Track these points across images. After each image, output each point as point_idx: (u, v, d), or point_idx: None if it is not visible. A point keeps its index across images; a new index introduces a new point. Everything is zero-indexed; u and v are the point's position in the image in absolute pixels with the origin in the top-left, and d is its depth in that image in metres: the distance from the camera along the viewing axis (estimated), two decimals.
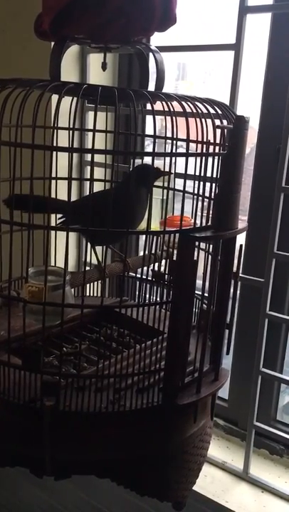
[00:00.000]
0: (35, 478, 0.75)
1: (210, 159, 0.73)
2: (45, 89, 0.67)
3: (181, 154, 0.69)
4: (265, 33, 1.14)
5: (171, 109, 0.69)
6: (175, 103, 0.71)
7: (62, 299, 0.68)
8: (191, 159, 0.70)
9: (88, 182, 0.87)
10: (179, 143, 0.72)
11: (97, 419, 0.72)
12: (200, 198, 0.80)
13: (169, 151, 0.70)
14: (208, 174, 0.73)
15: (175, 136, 0.69)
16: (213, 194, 0.76)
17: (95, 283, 0.99)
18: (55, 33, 0.76)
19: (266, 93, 1.17)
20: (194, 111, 0.71)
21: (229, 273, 0.79)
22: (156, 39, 0.84)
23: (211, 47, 1.19)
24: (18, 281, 0.97)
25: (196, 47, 1.22)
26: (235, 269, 0.80)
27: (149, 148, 1.49)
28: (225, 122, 0.75)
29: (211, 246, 0.81)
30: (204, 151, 0.73)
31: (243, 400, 1.28)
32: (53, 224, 0.75)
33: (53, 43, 0.77)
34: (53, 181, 0.79)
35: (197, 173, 0.74)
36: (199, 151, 0.73)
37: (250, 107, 1.20)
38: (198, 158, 0.73)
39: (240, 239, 0.90)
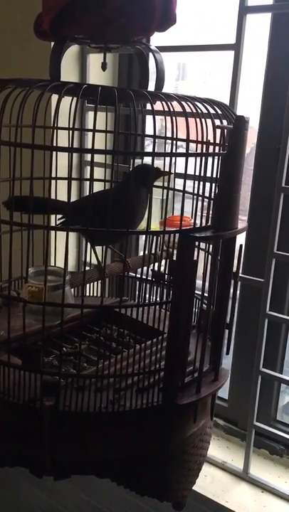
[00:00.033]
0: (34, 478, 0.75)
1: (210, 159, 0.73)
2: (45, 89, 0.67)
3: (181, 154, 0.69)
4: (265, 33, 1.14)
5: (171, 109, 0.69)
6: (175, 103, 0.71)
7: (62, 299, 0.68)
8: (191, 159, 0.70)
9: (88, 182, 0.87)
10: (178, 143, 0.72)
11: (97, 419, 0.72)
12: (200, 198, 0.80)
13: (169, 151, 0.70)
14: (208, 174, 0.73)
15: (175, 136, 0.69)
16: (213, 194, 0.76)
17: (95, 283, 0.99)
18: (55, 33, 0.76)
19: (266, 93, 1.17)
20: (194, 111, 0.71)
21: (229, 273, 0.79)
22: (156, 39, 0.84)
23: (211, 47, 1.19)
24: (18, 281, 0.97)
25: (196, 47, 1.22)
26: (235, 269, 0.80)
27: (149, 148, 1.49)
28: (225, 122, 0.75)
29: (211, 246, 0.81)
30: (204, 151, 0.73)
31: (243, 400, 1.28)
32: (52, 224, 0.75)
33: (52, 43, 0.77)
34: (53, 181, 0.79)
35: (197, 173, 0.74)
36: (199, 151, 0.73)
37: (250, 107, 1.20)
38: (198, 158, 0.73)
39: (240, 239, 0.90)
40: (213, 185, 0.75)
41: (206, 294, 0.81)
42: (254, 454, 1.24)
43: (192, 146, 0.73)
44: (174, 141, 0.69)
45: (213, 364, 0.80)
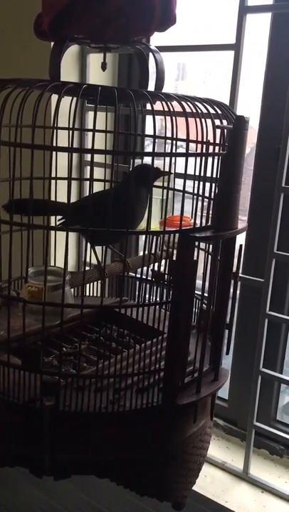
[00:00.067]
0: (35, 478, 0.75)
1: (210, 159, 0.73)
2: (45, 89, 0.67)
3: (181, 154, 0.69)
4: (265, 33, 1.14)
5: (171, 109, 0.69)
6: (175, 103, 0.71)
7: (62, 299, 0.68)
8: (191, 159, 0.70)
9: (88, 182, 0.87)
10: (178, 143, 0.72)
11: (96, 419, 0.72)
12: (200, 198, 0.80)
13: (169, 151, 0.70)
14: (208, 174, 0.73)
15: (175, 136, 0.69)
16: (213, 194, 0.76)
17: (95, 283, 0.99)
18: (54, 33, 0.76)
19: (266, 93, 1.17)
20: (194, 111, 0.71)
21: (229, 273, 0.79)
22: (156, 39, 0.84)
23: (211, 47, 1.19)
24: (18, 281, 0.97)
25: (196, 47, 1.22)
26: (235, 269, 0.80)
27: (149, 148, 1.49)
28: (225, 122, 0.75)
29: (211, 246, 0.81)
30: (204, 151, 0.73)
31: (242, 400, 1.28)
32: (52, 224, 0.75)
33: (52, 43, 0.77)
34: (53, 181, 0.79)
35: (197, 173, 0.74)
36: (199, 151, 0.73)
37: (250, 107, 1.20)
38: (198, 158, 0.73)
39: (240, 239, 0.90)
40: (213, 185, 0.75)
41: (206, 294, 0.81)
42: (254, 454, 1.24)
43: (192, 146, 0.73)
44: (174, 141, 0.69)
45: (213, 364, 0.80)
